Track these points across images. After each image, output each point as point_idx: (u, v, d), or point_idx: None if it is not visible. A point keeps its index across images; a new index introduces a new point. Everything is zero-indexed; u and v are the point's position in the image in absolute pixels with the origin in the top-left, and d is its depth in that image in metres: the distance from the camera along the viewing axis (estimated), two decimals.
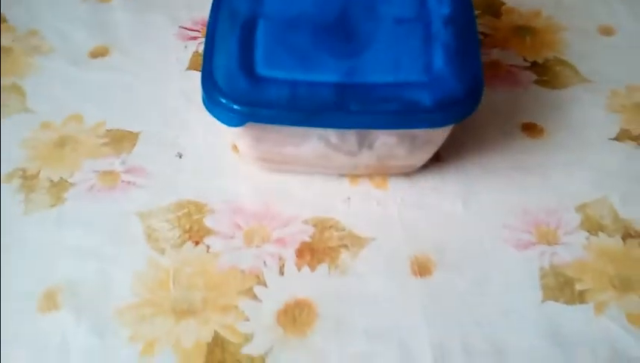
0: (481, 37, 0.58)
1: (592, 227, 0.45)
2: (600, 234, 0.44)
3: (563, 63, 0.57)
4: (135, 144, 0.48)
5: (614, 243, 0.44)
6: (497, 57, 0.57)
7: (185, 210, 0.44)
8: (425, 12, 0.43)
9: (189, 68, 0.54)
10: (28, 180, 0.45)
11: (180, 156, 0.47)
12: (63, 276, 0.40)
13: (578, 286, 0.41)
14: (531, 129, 0.51)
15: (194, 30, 0.57)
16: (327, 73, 0.39)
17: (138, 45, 0.55)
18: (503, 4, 0.63)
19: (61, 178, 0.45)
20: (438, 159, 0.47)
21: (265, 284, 0.40)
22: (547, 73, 0.56)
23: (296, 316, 0.39)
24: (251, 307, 0.39)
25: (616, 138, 0.50)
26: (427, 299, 0.40)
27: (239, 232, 0.43)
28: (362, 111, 0.38)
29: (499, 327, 0.39)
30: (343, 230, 0.43)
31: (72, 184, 0.45)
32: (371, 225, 0.44)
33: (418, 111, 0.38)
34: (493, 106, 0.52)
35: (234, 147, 0.48)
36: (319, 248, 0.42)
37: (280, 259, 0.42)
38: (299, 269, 0.41)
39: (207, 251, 0.42)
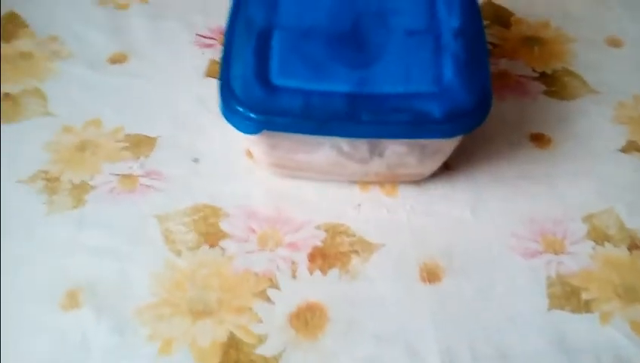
0: (490, 47, 0.59)
1: (598, 237, 0.45)
2: (606, 244, 0.45)
3: (572, 74, 0.58)
4: (152, 149, 0.49)
5: (620, 253, 0.44)
6: (506, 68, 0.58)
7: (201, 214, 0.45)
8: (435, 24, 0.44)
9: (206, 75, 0.55)
10: (51, 182, 0.46)
11: (196, 161, 0.49)
12: (85, 275, 0.41)
13: (584, 296, 0.42)
14: (539, 139, 0.52)
15: (210, 38, 0.59)
16: (340, 83, 0.40)
17: (155, 52, 0.57)
18: (512, 14, 0.64)
19: (82, 180, 0.47)
20: (447, 168, 0.48)
21: (278, 287, 0.41)
22: (555, 84, 0.57)
23: (308, 319, 0.40)
24: (265, 309, 0.40)
25: (623, 150, 0.51)
26: (435, 305, 0.41)
27: (253, 236, 0.44)
28: (373, 121, 0.39)
29: (506, 333, 0.40)
30: (354, 236, 0.45)
31: (92, 187, 0.46)
32: (381, 231, 0.45)
33: (428, 122, 0.39)
34: (502, 116, 0.53)
35: (249, 153, 0.49)
36: (330, 253, 0.44)
37: (292, 262, 0.43)
38: (311, 273, 0.42)
39: (222, 254, 0.43)
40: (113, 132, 0.50)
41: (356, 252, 0.44)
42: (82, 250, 0.43)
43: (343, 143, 0.42)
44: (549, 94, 0.56)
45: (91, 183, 0.47)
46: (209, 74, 0.55)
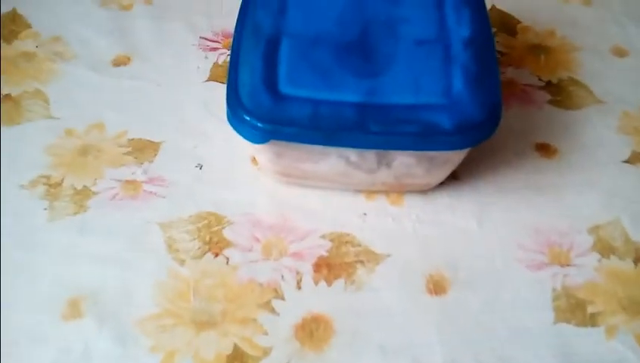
0: (498, 55, 0.58)
1: (604, 249, 0.45)
2: (611, 256, 0.45)
3: (577, 83, 0.57)
4: (156, 154, 0.49)
5: (625, 266, 0.44)
6: (512, 76, 0.58)
7: (205, 222, 0.45)
8: (445, 33, 0.44)
9: (210, 79, 0.55)
10: (52, 187, 0.46)
11: (200, 167, 0.48)
12: (87, 284, 0.41)
13: (590, 309, 0.42)
14: (545, 149, 0.52)
15: (214, 41, 0.58)
16: (349, 93, 0.40)
17: (158, 54, 0.56)
18: (519, 22, 0.63)
19: (84, 186, 0.46)
20: (453, 177, 0.48)
21: (283, 298, 0.41)
22: (561, 93, 0.56)
23: (313, 331, 0.39)
24: (269, 320, 0.40)
25: (628, 161, 0.51)
26: (441, 317, 0.41)
27: (257, 245, 0.44)
28: (382, 132, 0.39)
29: (511, 346, 0.40)
30: (359, 245, 0.44)
31: (95, 193, 0.46)
32: (387, 241, 0.45)
33: (438, 134, 0.39)
34: (508, 125, 0.52)
35: (253, 159, 0.48)
36: (336, 263, 0.43)
37: (297, 273, 0.42)
38: (316, 283, 0.42)
39: (227, 263, 0.43)
40: (116, 137, 0.50)
41: (362, 262, 0.43)
42: (84, 258, 0.42)
43: (351, 153, 0.41)
44: (555, 103, 0.56)
45: (93, 188, 0.46)
46: (212, 78, 0.55)
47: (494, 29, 0.61)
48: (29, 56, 0.55)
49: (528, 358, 0.39)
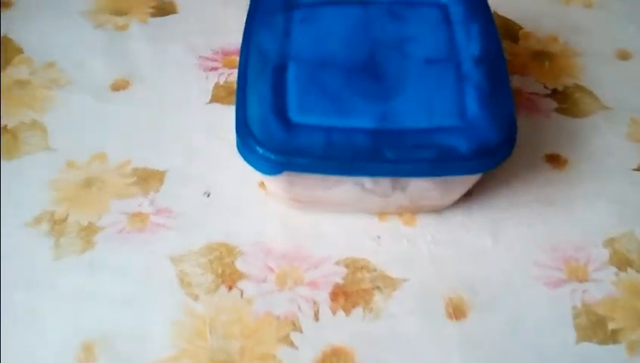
0: None
1: (621, 262, 0.45)
2: (629, 269, 0.45)
3: (583, 89, 0.57)
4: (162, 183, 0.47)
5: None
6: (517, 85, 0.57)
7: (217, 253, 0.44)
8: (455, 51, 0.43)
9: (212, 101, 0.53)
10: (57, 224, 0.44)
11: (208, 196, 0.47)
12: (99, 326, 0.40)
13: (610, 325, 0.42)
14: (555, 160, 0.51)
15: (214, 60, 0.57)
16: (361, 118, 0.39)
17: (158, 77, 0.55)
18: (520, 28, 0.63)
19: (90, 221, 0.45)
20: (465, 194, 0.47)
21: (301, 330, 0.40)
22: (567, 101, 0.56)
23: None
24: (289, 355, 0.39)
25: (638, 169, 0.51)
26: (463, 344, 0.40)
27: (271, 275, 0.43)
28: (398, 160, 0.38)
29: None
30: (375, 270, 0.43)
31: (101, 228, 0.44)
32: (403, 265, 0.44)
33: (455, 159, 0.38)
34: (517, 136, 0.52)
35: (262, 184, 0.47)
36: (352, 290, 0.42)
37: (314, 303, 0.41)
38: (333, 313, 0.41)
39: (241, 296, 0.42)
40: (119, 166, 0.48)
41: (378, 288, 0.43)
42: (94, 298, 0.41)
43: (366, 180, 0.40)
44: (561, 111, 0.55)
45: (99, 223, 0.45)
46: (215, 99, 0.54)
47: None
48: (22, 84, 0.54)
49: None
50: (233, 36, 0.58)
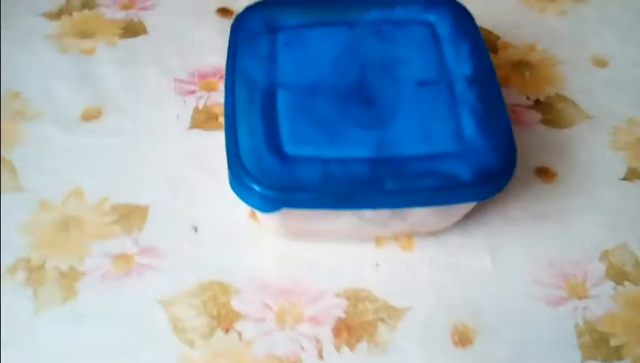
0: None
1: (617, 276, 0.45)
2: (625, 282, 0.45)
3: (565, 99, 0.57)
4: (145, 220, 0.44)
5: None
6: None
7: (210, 293, 0.41)
8: (445, 71, 0.42)
9: (192, 126, 0.51)
10: (34, 272, 0.41)
11: (195, 230, 0.44)
12: None
13: (612, 342, 0.41)
14: (544, 174, 0.51)
15: (190, 83, 0.54)
16: (358, 147, 0.38)
17: (132, 103, 0.52)
18: (498, 38, 0.62)
19: (70, 266, 0.42)
20: None
21: None
22: (551, 111, 0.56)
23: None
24: None
25: (626, 178, 0.51)
26: None
27: (270, 313, 0.41)
28: (399, 190, 0.36)
29: None
30: (377, 301, 0.42)
31: (82, 273, 0.41)
32: (405, 292, 0.43)
33: (458, 187, 0.37)
34: None
35: (252, 214, 0.45)
36: (355, 324, 0.41)
37: (317, 340, 0.40)
38: (337, 350, 0.40)
39: (239, 338, 0.39)
40: (97, 204, 0.45)
41: (382, 319, 0.41)
42: (81, 353, 0.38)
43: (366, 210, 0.39)
44: (546, 122, 0.55)
45: (80, 268, 0.42)
46: (195, 125, 0.51)
47: None
48: None
49: None
50: (208, 56, 0.56)
